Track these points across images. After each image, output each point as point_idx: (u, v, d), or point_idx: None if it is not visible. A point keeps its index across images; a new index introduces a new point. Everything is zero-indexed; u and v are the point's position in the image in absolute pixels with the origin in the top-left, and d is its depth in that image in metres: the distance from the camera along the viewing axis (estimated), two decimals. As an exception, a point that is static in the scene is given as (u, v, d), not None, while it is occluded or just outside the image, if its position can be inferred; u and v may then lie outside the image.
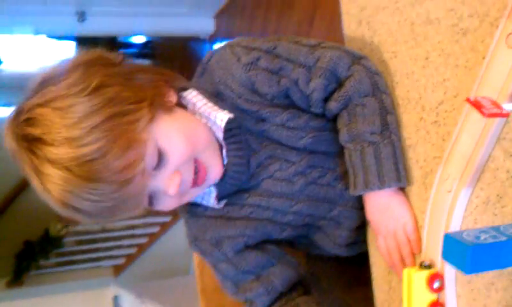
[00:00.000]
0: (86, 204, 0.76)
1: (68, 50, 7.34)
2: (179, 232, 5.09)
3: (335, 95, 0.85)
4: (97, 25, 4.22)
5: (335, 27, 2.93)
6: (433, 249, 0.75)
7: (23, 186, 5.57)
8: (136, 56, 7.59)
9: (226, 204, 0.96)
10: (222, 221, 0.96)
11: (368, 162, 0.82)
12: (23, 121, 0.77)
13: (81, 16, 4.18)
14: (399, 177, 0.81)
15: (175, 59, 5.97)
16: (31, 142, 0.76)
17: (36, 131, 0.75)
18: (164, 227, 5.20)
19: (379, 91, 0.84)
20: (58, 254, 5.60)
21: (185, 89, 0.92)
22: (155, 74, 0.88)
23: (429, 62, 0.77)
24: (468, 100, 0.58)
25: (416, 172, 0.80)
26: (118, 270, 5.72)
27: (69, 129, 0.74)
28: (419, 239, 0.80)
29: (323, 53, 0.85)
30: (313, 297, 0.96)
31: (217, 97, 0.90)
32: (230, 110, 0.88)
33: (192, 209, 0.98)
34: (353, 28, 0.93)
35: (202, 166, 0.85)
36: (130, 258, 5.61)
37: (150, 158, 0.78)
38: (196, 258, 1.18)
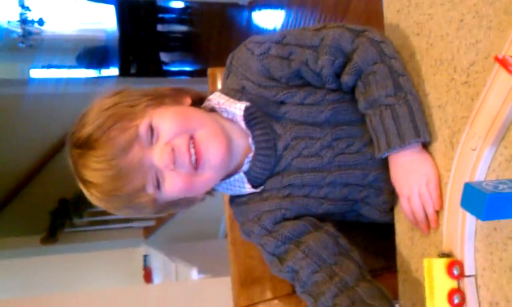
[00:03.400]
0: (95, 176, 0.90)
1: (107, 14, 7.42)
2: (209, 198, 5.15)
3: (346, 69, 0.90)
4: (138, -11, 4.25)
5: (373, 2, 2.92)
6: (453, 239, 0.78)
7: (59, 146, 5.69)
8: (174, 21, 7.64)
9: (264, 191, 1.00)
10: (261, 201, 1.01)
11: (387, 124, 0.86)
12: None
13: (123, -21, 4.22)
14: (418, 133, 0.84)
15: (213, 25, 5.98)
16: (72, 134, 0.95)
17: (74, 125, 0.95)
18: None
19: (386, 57, 0.88)
20: (91, 214, 5.72)
21: (206, 97, 1.04)
22: (174, 89, 1.02)
23: (463, 24, 0.79)
24: (496, 57, 0.60)
25: (444, 131, 0.83)
26: (148, 231, 5.86)
27: (89, 117, 0.92)
28: (441, 196, 0.83)
29: (327, 33, 0.92)
30: (372, 284, 0.91)
31: (242, 92, 0.99)
32: (252, 102, 0.97)
33: (236, 200, 1.05)
34: (391, -9, 0.95)
35: (199, 143, 0.92)
36: (161, 220, 5.73)
37: (145, 132, 0.91)
38: (227, 211, 1.22)
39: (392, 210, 1.01)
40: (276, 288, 1.21)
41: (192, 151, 0.91)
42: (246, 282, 1.22)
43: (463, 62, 0.79)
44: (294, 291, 1.00)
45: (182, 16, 7.37)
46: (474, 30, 0.77)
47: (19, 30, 6.30)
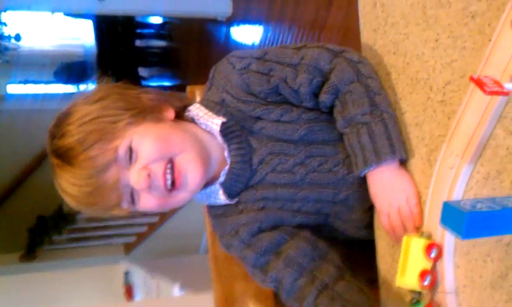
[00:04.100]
0: (72, 189, 0.92)
1: (85, 29, 7.39)
2: (190, 212, 5.16)
3: (324, 88, 0.93)
4: (116, 4, 4.24)
5: (353, 11, 2.95)
6: (434, 222, 0.79)
7: (38, 162, 5.64)
8: (152, 37, 7.63)
9: (239, 203, 1.03)
10: (237, 215, 1.03)
11: (364, 142, 0.88)
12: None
13: (101, -6, 4.21)
14: (393, 150, 0.86)
15: (191, 40, 5.98)
16: (51, 138, 0.95)
17: (55, 126, 0.95)
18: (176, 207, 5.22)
19: (363, 77, 0.91)
20: (71, 230, 5.65)
21: (190, 104, 1.05)
22: (158, 95, 1.03)
23: (438, 44, 0.80)
24: (471, 78, 0.62)
25: (422, 149, 0.84)
26: (129, 247, 5.80)
27: (66, 126, 0.92)
28: (422, 212, 0.84)
29: (306, 52, 0.94)
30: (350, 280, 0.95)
31: (221, 104, 1.01)
32: (230, 115, 0.99)
33: (213, 212, 1.08)
34: (368, 10, 0.96)
35: (178, 169, 0.93)
36: (141, 236, 5.68)
37: (122, 153, 0.91)
38: (208, 226, 1.22)
39: (366, 226, 1.04)
40: (259, 306, 1.21)
41: (168, 176, 0.93)
42: (228, 300, 1.22)
43: (438, 81, 0.80)
44: (277, 307, 1.01)
45: (161, 31, 7.38)
46: (449, 50, 0.78)
47: (-5, 45, 6.23)
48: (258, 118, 1.00)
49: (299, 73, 0.93)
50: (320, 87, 0.94)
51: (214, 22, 4.88)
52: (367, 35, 0.98)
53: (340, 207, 1.02)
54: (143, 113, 0.96)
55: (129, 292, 5.24)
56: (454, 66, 0.77)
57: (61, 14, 6.15)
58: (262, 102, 0.99)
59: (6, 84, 7.33)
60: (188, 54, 6.21)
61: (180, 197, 0.96)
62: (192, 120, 1.03)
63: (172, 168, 0.93)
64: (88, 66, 7.84)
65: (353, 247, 1.13)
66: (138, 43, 7.67)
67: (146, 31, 7.60)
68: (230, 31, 4.76)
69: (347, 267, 0.99)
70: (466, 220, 0.55)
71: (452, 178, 0.75)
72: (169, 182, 0.93)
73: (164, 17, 6.96)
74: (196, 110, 1.03)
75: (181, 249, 5.29)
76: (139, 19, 7.26)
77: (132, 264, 5.30)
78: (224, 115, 0.99)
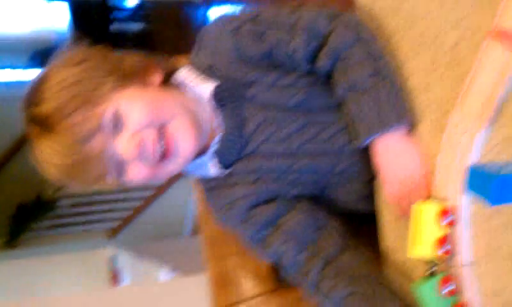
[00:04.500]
0: (53, 159, 0.85)
1: (60, 12, 7.24)
2: (174, 195, 5.13)
3: (322, 53, 0.87)
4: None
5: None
6: (446, 189, 0.74)
7: (15, 149, 5.54)
8: (128, 20, 7.49)
9: (232, 175, 0.97)
10: (232, 187, 0.98)
11: (366, 108, 0.82)
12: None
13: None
14: (400, 116, 0.81)
15: (168, 23, 5.87)
16: (27, 106, 0.88)
17: (31, 93, 0.87)
18: (160, 190, 5.19)
19: (363, 40, 0.85)
20: (53, 217, 5.60)
21: (177, 69, 0.98)
22: (142, 58, 0.95)
23: (446, 1, 0.75)
24: (494, 31, 0.56)
25: (429, 115, 0.79)
26: (113, 232, 5.74)
27: (46, 91, 0.85)
28: (430, 184, 0.79)
29: (302, 14, 0.89)
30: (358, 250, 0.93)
31: (211, 69, 0.94)
32: (221, 80, 0.93)
33: (205, 185, 1.02)
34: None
35: (169, 136, 0.87)
36: (126, 221, 5.63)
37: (108, 120, 0.84)
38: (200, 205, 1.17)
39: (365, 198, 0.99)
40: (257, 286, 1.16)
41: (159, 145, 0.87)
42: (224, 282, 1.17)
43: (447, 41, 0.75)
44: (276, 288, 0.97)
45: (136, 14, 7.24)
46: (459, 5, 0.73)
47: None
48: (252, 83, 0.93)
49: (294, 37, 0.88)
50: (316, 51, 0.88)
51: (191, 4, 4.79)
52: (364, -3, 0.92)
53: (338, 178, 0.98)
54: (128, 76, 0.89)
55: (115, 277, 5.18)
56: (465, 23, 0.72)
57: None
58: (255, 65, 0.93)
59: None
60: (164, 37, 6.09)
61: (170, 167, 0.90)
62: (179, 86, 0.96)
63: (162, 136, 0.87)
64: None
65: (351, 221, 1.09)
66: (113, 27, 7.53)
67: (121, 14, 7.46)
68: (208, 13, 4.67)
69: (351, 234, 0.95)
70: (496, 185, 0.50)
71: (466, 143, 0.70)
72: (159, 151, 0.87)
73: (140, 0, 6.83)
74: (185, 74, 0.96)
75: (166, 233, 5.25)
76: (114, 2, 7.12)
77: (117, 249, 5.24)
78: (215, 80, 0.94)
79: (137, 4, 7.10)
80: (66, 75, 0.85)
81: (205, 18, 4.68)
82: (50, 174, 0.89)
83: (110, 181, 0.90)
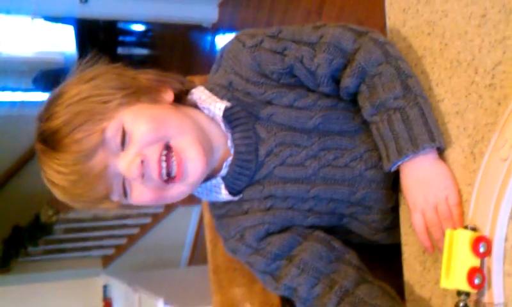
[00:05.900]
0: (56, 177, 0.83)
1: (65, 34, 7.26)
2: (171, 224, 5.06)
3: (347, 71, 0.82)
4: (99, 8, 4.12)
5: (345, 17, 2.88)
6: (482, 218, 0.68)
7: (13, 171, 5.49)
8: (134, 45, 7.52)
9: (243, 201, 0.93)
10: (243, 215, 0.93)
11: (397, 129, 0.78)
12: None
13: (84, -4, 4.09)
14: (432, 137, 0.76)
15: (175, 48, 5.87)
16: (39, 121, 0.87)
17: (43, 110, 0.87)
18: (157, 218, 5.12)
19: (392, 58, 0.81)
20: (47, 242, 5.51)
21: (192, 88, 0.95)
22: (156, 75, 0.92)
23: (486, 20, 0.71)
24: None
25: (463, 140, 0.74)
26: (108, 260, 5.67)
27: (54, 107, 0.84)
28: (462, 214, 0.74)
29: (326, 30, 0.85)
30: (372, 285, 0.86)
31: (229, 87, 0.91)
32: (237, 100, 0.90)
33: (215, 212, 0.97)
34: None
35: (177, 155, 0.83)
36: (121, 249, 5.55)
37: (112, 136, 0.82)
38: (208, 234, 1.11)
39: (385, 229, 0.94)
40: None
41: (164, 164, 0.82)
42: (230, 313, 1.11)
43: (486, 62, 0.71)
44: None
45: (143, 39, 7.27)
46: (500, 25, 0.69)
47: (-28, 52, 6.09)
48: (269, 103, 0.90)
49: (317, 53, 0.84)
50: (340, 70, 0.84)
51: (199, 28, 4.77)
52: (394, 17, 0.88)
53: (356, 207, 0.92)
54: (138, 93, 0.86)
55: (108, 306, 5.09)
56: (507, 44, 0.68)
57: (41, 20, 6.03)
58: (274, 83, 0.89)
59: (-18, 92, 7.18)
60: (171, 62, 6.09)
61: (177, 189, 0.86)
62: (194, 105, 0.92)
63: (168, 156, 0.83)
64: (68, 73, 7.71)
65: (367, 252, 1.03)
66: (120, 50, 7.56)
67: (128, 38, 7.49)
68: (216, 38, 4.66)
69: (367, 267, 0.89)
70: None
71: (506, 171, 0.65)
72: (164, 171, 0.82)
73: (147, 24, 6.86)
74: (199, 93, 0.92)
75: (161, 263, 5.18)
76: (121, 26, 7.15)
77: (111, 277, 5.14)
78: (229, 100, 0.90)
79: (145, 29, 7.14)
80: (76, 91, 0.84)
81: (212, 44, 4.66)
82: (55, 195, 0.86)
83: (115, 203, 0.86)
